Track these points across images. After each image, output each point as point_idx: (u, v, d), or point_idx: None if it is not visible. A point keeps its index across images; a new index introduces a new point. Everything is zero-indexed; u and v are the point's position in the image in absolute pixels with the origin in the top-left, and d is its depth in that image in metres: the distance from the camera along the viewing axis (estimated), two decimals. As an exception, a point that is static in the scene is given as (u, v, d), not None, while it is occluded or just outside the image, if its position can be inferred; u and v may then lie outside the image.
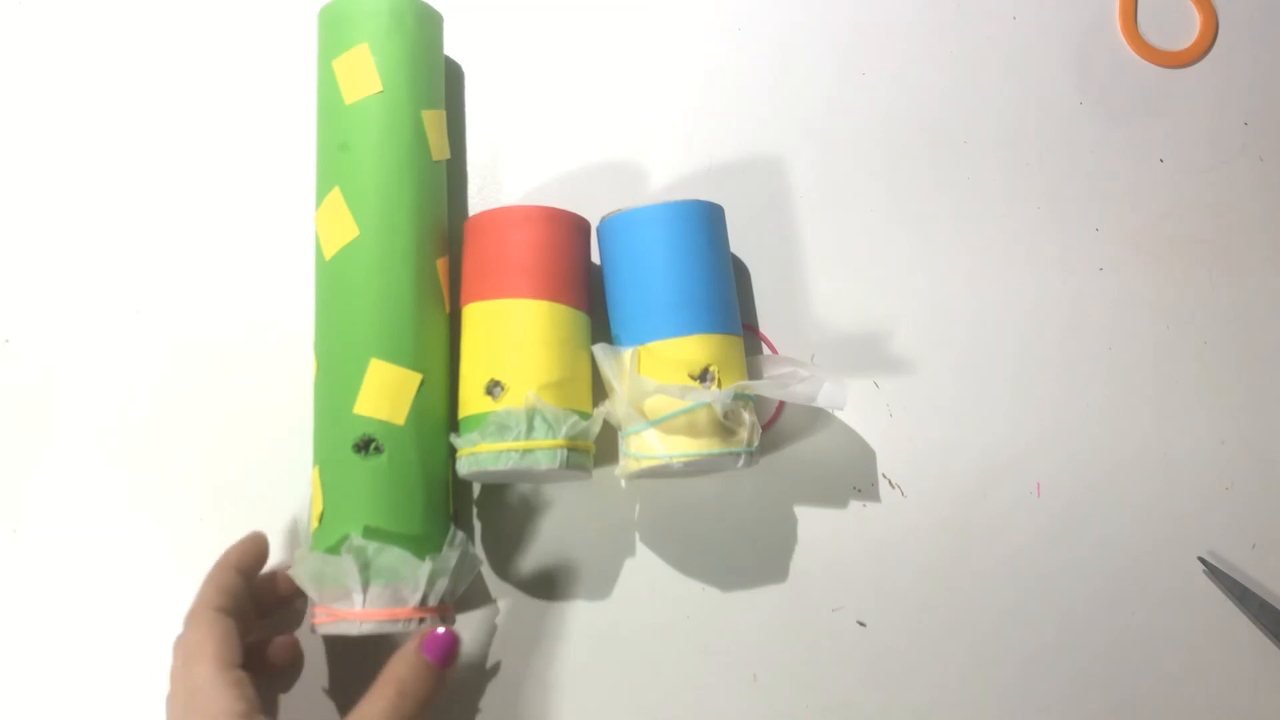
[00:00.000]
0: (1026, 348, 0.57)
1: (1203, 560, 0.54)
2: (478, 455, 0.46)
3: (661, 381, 0.47)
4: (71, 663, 0.50)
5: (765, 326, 0.55)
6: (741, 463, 0.48)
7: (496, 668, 0.51)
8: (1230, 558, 0.55)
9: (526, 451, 0.46)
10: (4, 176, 0.55)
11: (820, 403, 0.48)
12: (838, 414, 0.54)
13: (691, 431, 0.47)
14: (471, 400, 0.48)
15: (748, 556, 0.53)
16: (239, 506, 0.51)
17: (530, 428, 0.46)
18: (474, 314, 0.49)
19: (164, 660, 0.50)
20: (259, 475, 0.52)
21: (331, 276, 0.48)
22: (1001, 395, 0.56)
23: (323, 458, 0.47)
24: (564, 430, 0.46)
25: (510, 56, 0.58)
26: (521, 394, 0.46)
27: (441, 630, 0.44)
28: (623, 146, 0.57)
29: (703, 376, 0.47)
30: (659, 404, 0.47)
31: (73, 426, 0.52)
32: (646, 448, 0.47)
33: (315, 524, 0.47)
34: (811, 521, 0.53)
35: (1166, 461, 0.56)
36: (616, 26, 0.59)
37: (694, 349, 0.47)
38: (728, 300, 0.50)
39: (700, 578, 0.52)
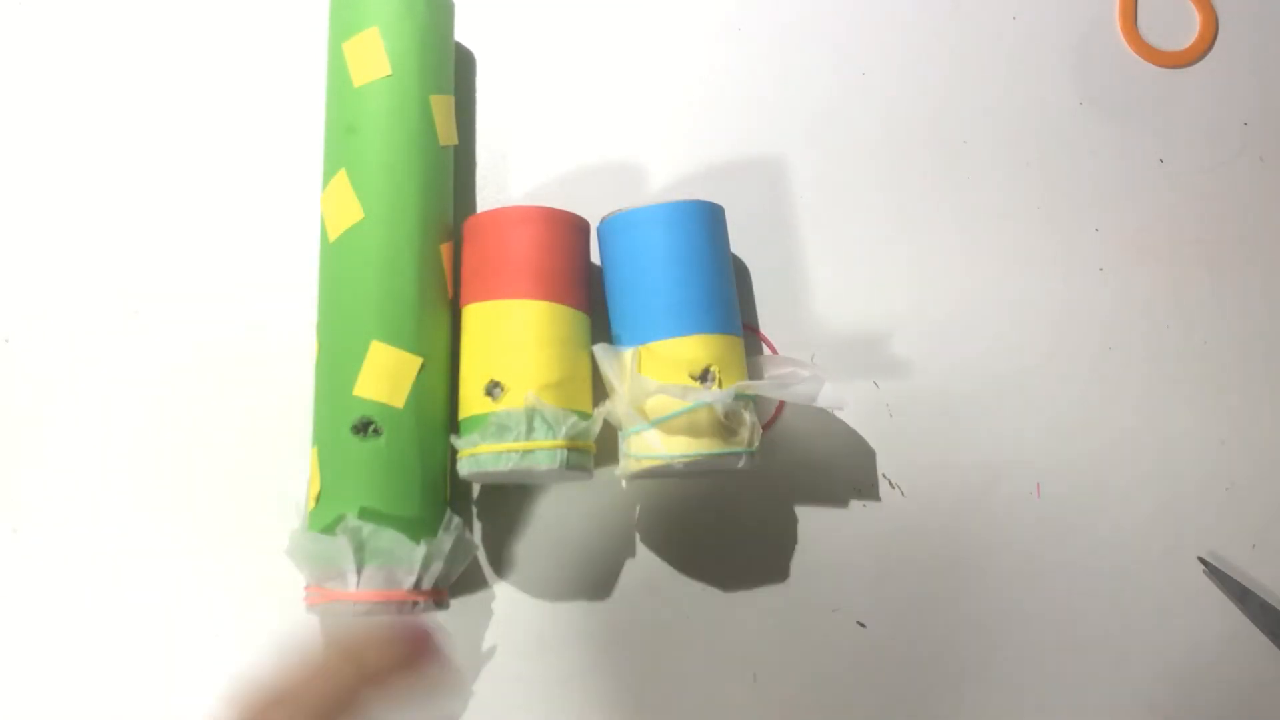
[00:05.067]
0: (1026, 347, 0.57)
1: (1203, 560, 0.54)
2: (478, 456, 0.46)
3: (662, 381, 0.47)
4: (72, 662, 0.50)
5: (765, 326, 0.55)
6: (742, 463, 0.47)
7: (496, 667, 0.51)
8: (1230, 558, 0.55)
9: (526, 452, 0.46)
10: (4, 176, 0.55)
11: (821, 403, 0.48)
12: (838, 414, 0.54)
13: (692, 432, 0.46)
14: (471, 401, 0.48)
15: (748, 556, 0.53)
16: (239, 501, 0.52)
17: (530, 428, 0.46)
18: (473, 315, 0.49)
19: (164, 660, 0.50)
20: (260, 463, 0.52)
21: (335, 258, 0.49)
22: (1001, 395, 0.56)
23: (321, 438, 0.47)
24: (564, 430, 0.46)
25: (519, 46, 0.58)
26: (521, 395, 0.46)
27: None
28: (624, 144, 0.57)
29: (703, 377, 0.47)
30: (660, 404, 0.47)
31: (73, 426, 0.52)
32: (647, 448, 0.47)
33: (312, 504, 0.47)
34: (811, 521, 0.53)
35: (1166, 461, 0.56)
36: (620, 25, 0.59)
37: (695, 349, 0.47)
38: (728, 300, 0.50)
39: (700, 578, 0.52)
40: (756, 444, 0.48)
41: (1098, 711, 0.52)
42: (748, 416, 0.48)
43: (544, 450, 0.46)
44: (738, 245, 0.56)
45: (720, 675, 0.51)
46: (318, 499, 0.46)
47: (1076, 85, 0.60)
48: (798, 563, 0.53)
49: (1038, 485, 0.55)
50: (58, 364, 0.53)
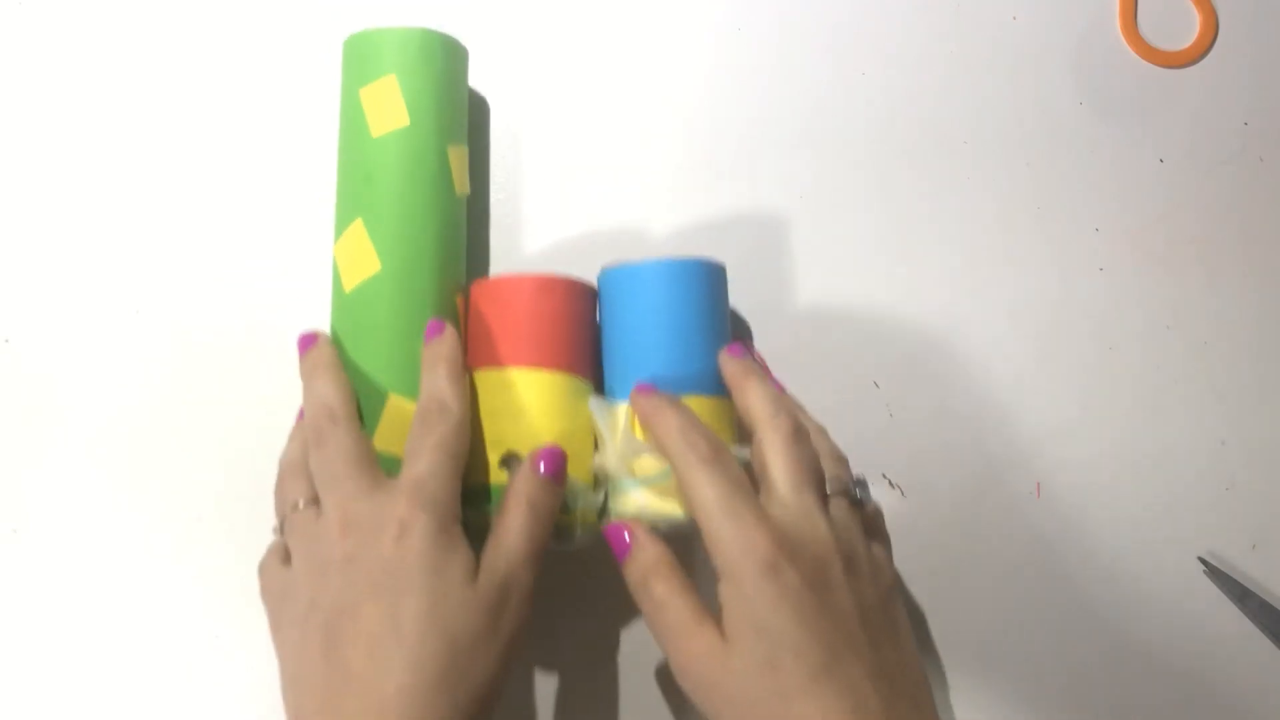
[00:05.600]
0: (1026, 347, 0.57)
1: (1203, 560, 0.54)
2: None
3: (653, 443, 0.46)
4: (72, 663, 0.50)
5: (760, 327, 0.55)
6: None
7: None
8: (1230, 558, 0.55)
9: None
10: (6, 180, 0.55)
11: None
12: (838, 415, 0.54)
13: (680, 494, 0.45)
14: (482, 470, 0.47)
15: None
16: (241, 502, 0.52)
17: None
18: (486, 381, 0.48)
19: (164, 660, 0.50)
20: (261, 463, 0.52)
21: (351, 310, 0.48)
22: (1001, 395, 0.56)
23: None
24: (579, 505, 0.46)
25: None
26: None
27: (551, 447, 0.45)
28: (624, 148, 0.57)
29: None
30: (649, 463, 0.46)
31: (73, 427, 0.52)
32: (633, 506, 0.46)
33: None
34: (811, 521, 0.53)
35: (1166, 461, 0.56)
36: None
37: None
38: None
39: (700, 576, 0.52)
40: None
41: (1097, 711, 0.52)
42: None
43: (558, 525, 0.46)
44: (736, 245, 0.56)
45: (720, 675, 0.51)
46: None
47: (1076, 85, 0.60)
48: (798, 563, 0.53)
49: (1038, 485, 0.55)
50: (58, 364, 0.53)
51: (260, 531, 0.51)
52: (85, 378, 0.53)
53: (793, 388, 0.55)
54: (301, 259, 0.54)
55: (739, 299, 0.54)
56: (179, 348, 0.53)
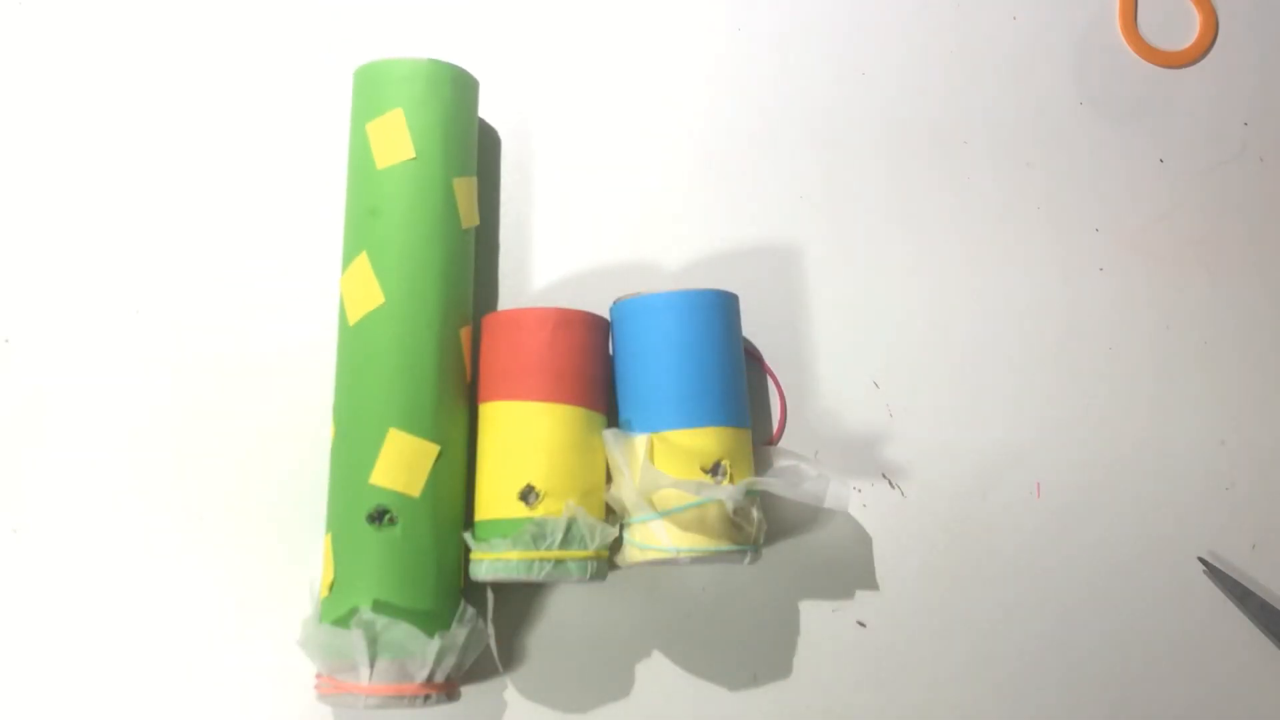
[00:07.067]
0: (1026, 348, 0.57)
1: (1203, 560, 0.54)
2: (508, 562, 0.46)
3: (673, 472, 0.46)
4: (72, 663, 0.50)
5: (764, 330, 0.55)
6: (748, 560, 0.47)
7: (491, 653, 0.51)
8: (1230, 558, 0.55)
9: (559, 562, 0.45)
10: (7, 180, 0.55)
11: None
12: (837, 415, 0.55)
13: (701, 527, 0.46)
14: (498, 504, 0.47)
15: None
16: (240, 504, 0.52)
17: (566, 537, 0.46)
18: (501, 414, 0.48)
19: (164, 659, 0.50)
20: (264, 462, 0.52)
21: (355, 342, 0.48)
22: (1001, 395, 0.56)
23: (336, 526, 0.47)
24: (596, 541, 0.46)
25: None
26: (557, 502, 0.46)
27: None
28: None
29: (714, 470, 0.47)
30: (668, 495, 0.46)
31: (73, 426, 0.52)
32: (653, 539, 0.46)
33: (325, 592, 0.46)
34: (811, 522, 0.53)
35: (1166, 461, 0.56)
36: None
37: (708, 441, 0.47)
38: (740, 392, 0.49)
39: (700, 578, 0.52)
40: (762, 539, 0.48)
41: (1097, 711, 0.52)
42: (755, 513, 0.47)
43: (575, 560, 0.46)
44: (736, 248, 0.56)
45: (720, 675, 0.51)
46: (331, 588, 0.46)
47: (1076, 85, 0.60)
48: (798, 563, 0.53)
49: (1037, 485, 0.55)
50: (58, 364, 0.53)
51: (260, 531, 0.51)
52: (85, 378, 0.53)
53: (793, 387, 0.55)
54: (302, 259, 0.54)
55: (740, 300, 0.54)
56: (179, 348, 0.53)
